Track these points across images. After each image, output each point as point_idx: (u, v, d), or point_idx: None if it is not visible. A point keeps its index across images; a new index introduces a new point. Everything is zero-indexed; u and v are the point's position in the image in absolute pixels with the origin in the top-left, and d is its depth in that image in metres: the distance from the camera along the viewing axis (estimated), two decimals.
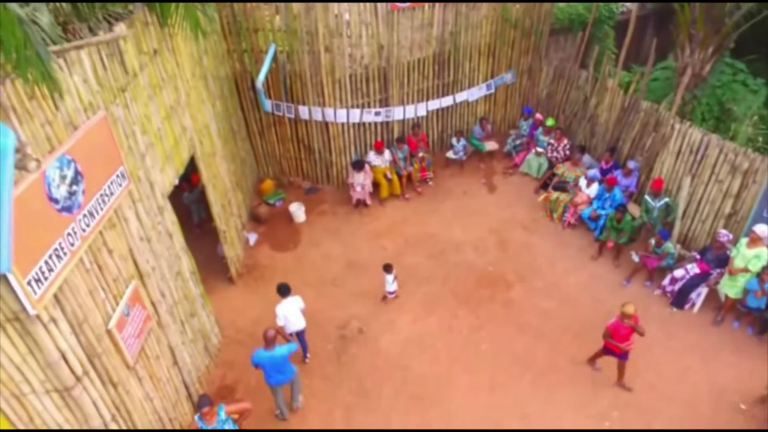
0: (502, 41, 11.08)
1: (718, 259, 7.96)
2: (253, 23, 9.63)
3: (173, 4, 6.18)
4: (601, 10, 11.34)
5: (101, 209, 5.08)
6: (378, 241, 10.08)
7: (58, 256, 4.38)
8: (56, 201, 4.41)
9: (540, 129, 11.23)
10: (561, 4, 11.51)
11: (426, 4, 10.01)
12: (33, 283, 4.05)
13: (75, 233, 4.64)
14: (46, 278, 4.22)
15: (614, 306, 8.30)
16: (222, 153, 9.24)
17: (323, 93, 10.15)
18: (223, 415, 5.72)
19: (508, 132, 12.05)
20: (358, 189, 10.56)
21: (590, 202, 9.68)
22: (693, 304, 8.19)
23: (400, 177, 10.90)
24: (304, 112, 10.44)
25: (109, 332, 5.20)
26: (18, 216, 3.65)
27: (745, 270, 7.43)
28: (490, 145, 11.57)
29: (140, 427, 5.70)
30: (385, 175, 10.72)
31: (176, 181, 7.15)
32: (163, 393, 6.38)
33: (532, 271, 9.15)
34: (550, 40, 11.65)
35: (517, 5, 10.77)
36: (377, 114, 10.70)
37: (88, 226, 4.85)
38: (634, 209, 9.44)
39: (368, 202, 10.78)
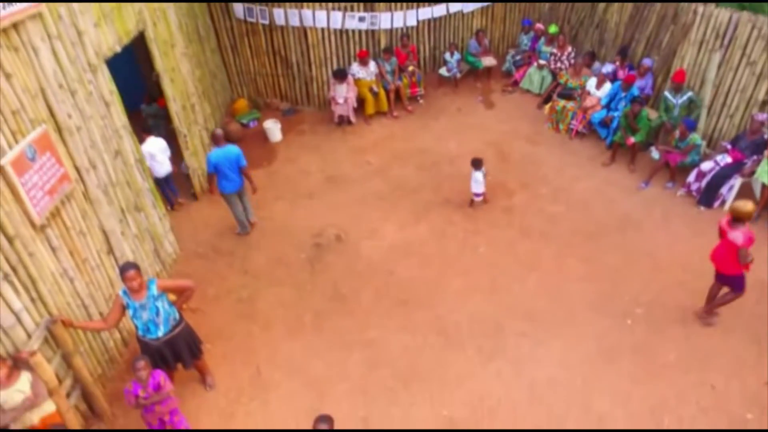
0: None
1: (754, 145, 6.82)
2: None
3: None
4: None
5: None
6: (362, 156, 8.96)
7: None
8: None
9: (542, 40, 10.10)
10: None
11: None
12: None
13: None
14: None
15: (631, 208, 7.29)
16: (183, 50, 8.15)
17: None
18: (155, 290, 4.56)
19: (507, 50, 10.93)
20: (341, 102, 9.43)
21: (601, 106, 8.55)
22: (723, 201, 7.04)
23: (387, 92, 9.78)
24: (279, 15, 9.32)
25: (1, 170, 4.08)
26: None
27: None
28: (487, 61, 10.44)
29: (50, 303, 4.56)
30: (370, 89, 9.59)
31: (117, 48, 6.09)
32: (91, 279, 5.24)
33: (537, 179, 8.04)
34: None
35: None
36: (361, 20, 9.56)
37: None
38: (651, 114, 8.31)
39: (352, 119, 9.65)
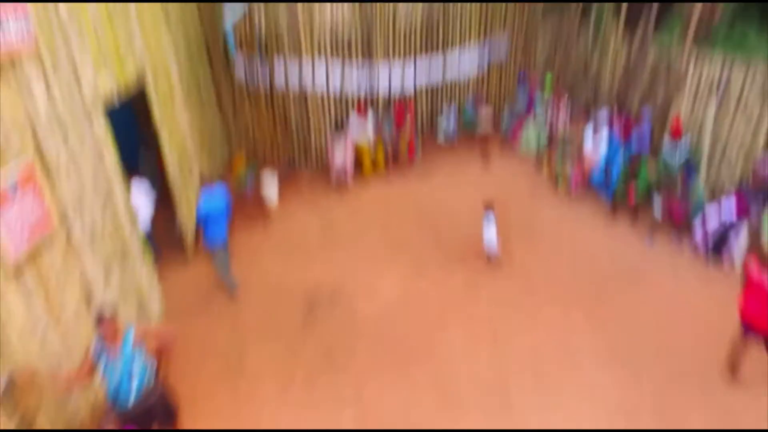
0: (494, 5, 10.32)
1: (761, 192, 6.64)
2: None
3: None
4: None
5: None
6: (359, 212, 8.82)
7: None
8: None
9: (537, 93, 10.22)
10: None
11: None
12: None
13: None
14: None
15: (637, 262, 7.02)
16: (184, 104, 8.25)
17: (300, 47, 9.26)
18: (132, 342, 4.23)
19: (503, 107, 11.03)
20: (339, 160, 9.41)
21: (598, 159, 8.49)
22: (732, 258, 6.77)
23: (385, 151, 9.79)
24: (280, 72, 9.48)
25: None
26: None
27: None
28: (484, 121, 10.47)
29: (17, 353, 4.22)
30: (368, 150, 9.61)
31: (116, 97, 6.12)
32: (67, 331, 4.91)
33: (538, 233, 7.83)
34: (547, 7, 10.89)
35: None
36: (360, 74, 9.70)
37: None
38: (650, 171, 8.20)
39: (350, 178, 9.58)
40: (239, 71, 9.62)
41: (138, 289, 6.33)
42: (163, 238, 7.85)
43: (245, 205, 9.15)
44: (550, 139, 9.67)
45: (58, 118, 4.97)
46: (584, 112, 9.43)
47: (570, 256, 7.25)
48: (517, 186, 9.06)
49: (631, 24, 9.34)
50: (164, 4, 7.65)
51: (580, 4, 10.31)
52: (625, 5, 9.55)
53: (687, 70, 8.04)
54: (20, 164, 4.35)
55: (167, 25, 7.79)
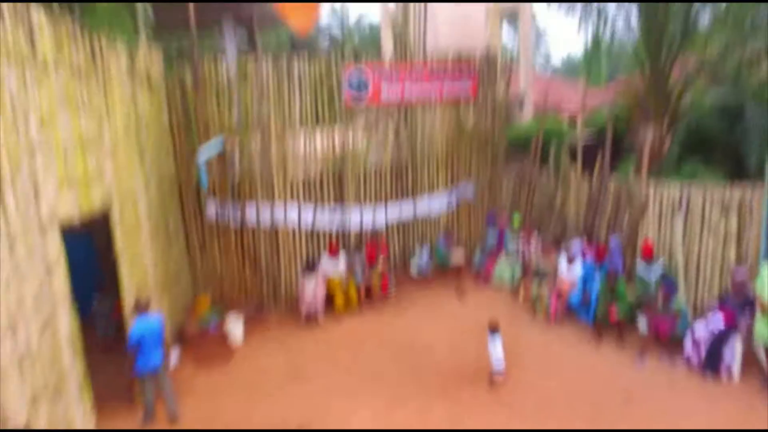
0: (458, 150, 10.98)
1: (743, 303, 6.48)
2: (203, 119, 9.34)
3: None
4: (552, 131, 11.74)
5: None
6: (330, 349, 8.17)
7: None
8: None
9: (507, 232, 10.41)
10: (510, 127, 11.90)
11: (380, 102, 10.10)
12: None
13: None
14: None
15: (630, 382, 6.54)
16: (150, 240, 8.00)
17: (273, 190, 9.46)
18: None
19: (475, 248, 11.11)
20: (309, 296, 9.00)
21: (575, 285, 8.34)
22: (730, 369, 6.35)
23: (357, 288, 9.49)
24: (251, 213, 9.50)
25: None
26: None
27: None
28: (456, 258, 10.45)
29: None
30: (340, 286, 9.31)
31: (77, 217, 5.88)
32: None
33: (523, 359, 7.28)
34: (510, 159, 11.65)
35: (470, 115, 10.97)
36: (332, 213, 9.81)
37: None
38: (629, 292, 8.09)
39: (320, 316, 9.09)
40: (210, 210, 9.59)
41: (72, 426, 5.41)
42: (112, 382, 6.94)
43: (206, 343, 8.43)
44: (524, 271, 9.61)
45: (8, 228, 4.66)
46: (555, 245, 9.55)
47: (559, 381, 6.68)
48: (491, 311, 8.67)
49: (587, 162, 10.00)
50: (139, 137, 7.83)
51: (539, 148, 11.10)
52: (580, 147, 10.34)
53: (648, 195, 8.36)
54: None
55: (140, 158, 7.88)
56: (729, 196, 7.43)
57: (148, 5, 7.28)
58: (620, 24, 10.13)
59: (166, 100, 9.09)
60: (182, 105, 9.21)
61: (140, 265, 7.54)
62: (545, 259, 9.17)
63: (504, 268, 9.97)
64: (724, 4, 9.50)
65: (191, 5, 8.96)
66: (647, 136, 9.53)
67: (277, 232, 9.65)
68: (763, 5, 8.77)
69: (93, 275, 8.90)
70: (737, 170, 9.78)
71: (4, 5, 4.72)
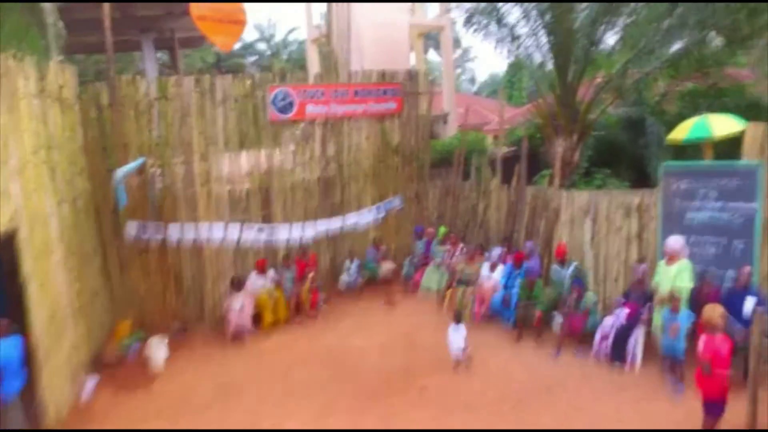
0: (385, 165, 11.25)
1: (644, 295, 7.04)
2: (121, 138, 9.07)
3: None
4: (473, 145, 12.30)
5: None
6: (258, 363, 8.07)
7: None
8: None
9: (434, 242, 10.72)
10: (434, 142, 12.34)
11: (305, 119, 10.22)
12: None
13: None
14: None
15: (549, 373, 6.96)
16: (63, 262, 7.61)
17: (197, 208, 9.30)
18: None
19: (404, 258, 11.35)
20: (237, 312, 8.84)
21: (498, 287, 8.73)
22: (634, 355, 6.86)
23: (287, 301, 9.42)
24: (175, 231, 9.26)
25: None
26: None
27: (674, 294, 6.48)
28: (387, 267, 10.66)
29: None
30: (269, 298, 9.21)
31: None
32: None
33: (449, 361, 7.49)
34: (433, 172, 12.05)
35: (395, 131, 11.29)
36: (259, 231, 9.75)
37: None
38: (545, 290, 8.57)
39: (249, 330, 8.94)
40: (130, 231, 9.25)
41: None
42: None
43: (126, 370, 8.08)
44: (450, 278, 9.92)
45: None
46: (479, 252, 9.94)
47: (484, 378, 6.96)
48: (423, 322, 8.92)
49: (507, 175, 10.55)
50: (50, 156, 7.49)
51: (461, 162, 11.57)
52: (499, 161, 10.88)
53: (560, 203, 8.93)
54: None
55: (51, 178, 7.52)
56: (630, 200, 8.06)
57: (59, 25, 7.07)
58: (531, 46, 10.79)
59: (81, 120, 8.78)
60: (99, 125, 8.91)
61: (51, 288, 7.15)
62: (470, 267, 9.51)
63: (431, 277, 10.24)
64: (623, 27, 10.39)
65: (107, 25, 8.77)
66: (559, 150, 10.17)
67: (201, 251, 9.45)
68: (657, 29, 9.68)
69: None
70: (641, 177, 10.64)
71: None
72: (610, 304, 7.93)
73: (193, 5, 9.45)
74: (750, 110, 9.91)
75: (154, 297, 9.55)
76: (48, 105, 7.53)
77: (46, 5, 5.80)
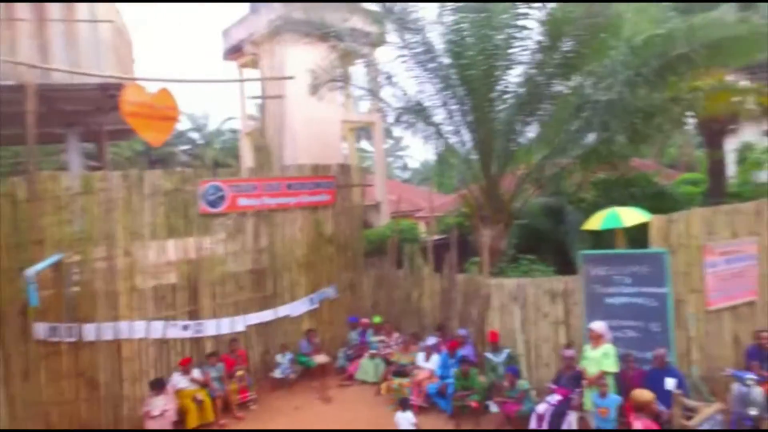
0: (319, 255, 11.21)
1: (573, 379, 7.16)
2: (37, 234, 8.58)
3: None
4: (406, 233, 12.56)
5: None
6: None
7: None
8: None
9: (369, 331, 10.58)
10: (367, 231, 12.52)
11: (237, 211, 10.15)
12: None
13: None
14: None
15: None
16: None
17: (117, 305, 8.79)
18: None
19: (339, 349, 11.06)
20: (157, 417, 8.16)
21: (433, 377, 8.61)
22: None
23: (213, 401, 8.81)
24: (90, 331, 8.64)
25: None
26: None
27: (601, 377, 6.66)
28: (320, 359, 10.33)
29: None
30: (194, 399, 8.60)
31: None
32: None
33: None
34: (367, 261, 12.12)
35: (329, 221, 11.39)
36: (185, 328, 9.29)
37: None
38: (480, 377, 8.53)
39: None
40: (39, 331, 8.52)
41: None
42: None
43: None
44: (386, 369, 9.73)
45: None
46: (414, 339, 9.90)
47: None
48: (359, 417, 8.56)
49: (439, 261, 10.77)
50: None
51: (394, 250, 11.74)
52: (431, 248, 11.14)
53: (490, 289, 9.16)
54: None
55: None
56: (555, 286, 8.41)
57: None
58: (457, 142, 11.46)
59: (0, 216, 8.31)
60: (12, 220, 8.44)
61: None
62: (405, 356, 9.41)
63: (367, 369, 10.00)
64: (539, 125, 11.29)
65: (31, 120, 8.60)
66: (486, 238, 10.59)
67: (120, 350, 8.81)
68: (567, 129, 10.59)
69: None
70: (564, 262, 11.15)
71: None
72: (543, 389, 8.02)
73: (125, 102, 9.45)
74: (656, 198, 10.83)
75: (60, 405, 8.66)
76: None
77: None
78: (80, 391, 8.72)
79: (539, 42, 9.83)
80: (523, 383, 7.62)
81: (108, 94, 10.84)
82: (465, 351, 8.85)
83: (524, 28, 9.82)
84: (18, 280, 8.28)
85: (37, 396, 8.61)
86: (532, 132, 11.34)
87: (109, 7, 11.49)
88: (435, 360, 8.89)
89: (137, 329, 8.91)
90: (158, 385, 8.40)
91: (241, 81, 16.56)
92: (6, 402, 8.42)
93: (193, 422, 8.51)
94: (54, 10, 10.55)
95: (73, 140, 12.18)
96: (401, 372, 9.18)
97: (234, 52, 16.74)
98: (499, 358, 8.31)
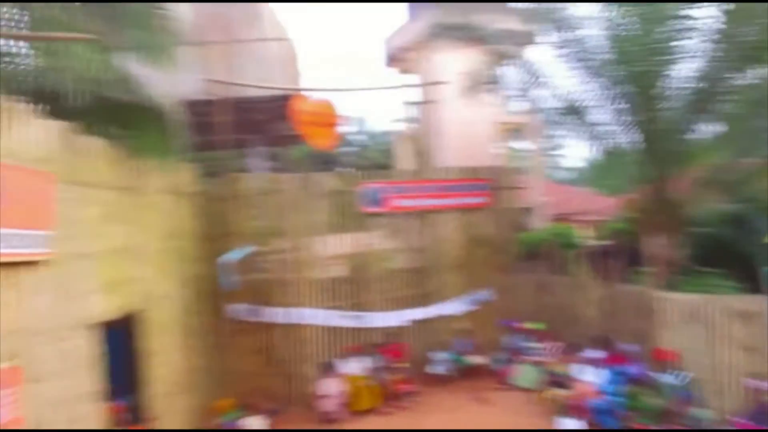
0: (473, 257, 11.36)
1: (761, 414, 6.37)
2: (233, 227, 10.00)
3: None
4: (564, 238, 12.14)
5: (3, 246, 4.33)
6: None
7: None
8: None
9: (524, 337, 10.44)
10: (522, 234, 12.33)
11: (395, 211, 10.72)
12: None
13: None
14: None
15: None
16: (180, 339, 8.43)
17: (296, 293, 9.89)
18: None
19: (494, 352, 11.08)
20: (328, 397, 9.03)
21: (596, 392, 8.26)
22: None
23: (377, 388, 9.48)
24: (271, 314, 9.84)
25: None
26: None
27: None
28: (476, 360, 10.49)
29: None
30: (360, 384, 9.34)
31: (114, 317, 6.35)
32: None
33: None
34: (522, 265, 11.97)
35: (483, 224, 11.47)
36: (352, 318, 10.10)
37: None
38: (650, 399, 7.96)
39: (340, 416, 9.05)
40: (234, 312, 9.93)
41: None
42: None
43: None
44: (544, 375, 9.55)
45: (52, 328, 5.07)
46: (571, 351, 9.58)
47: None
48: (518, 417, 8.63)
49: (601, 269, 10.24)
50: (174, 244, 8.41)
51: (552, 255, 11.42)
52: (593, 255, 10.61)
53: (661, 304, 8.50)
54: (8, 367, 4.29)
55: (174, 263, 8.43)
56: (740, 305, 7.56)
57: (186, 131, 8.29)
58: (618, 140, 10.77)
59: (201, 212, 9.84)
60: (215, 216, 9.94)
61: (168, 363, 7.81)
62: (562, 367, 9.14)
63: (524, 372, 9.92)
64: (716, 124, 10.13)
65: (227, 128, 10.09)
66: (657, 246, 9.81)
67: (297, 333, 9.89)
68: (752, 124, 9.36)
69: (124, 371, 9.12)
70: (747, 278, 9.89)
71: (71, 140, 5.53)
72: (721, 421, 7.26)
73: (294, 111, 10.62)
74: None
75: (249, 377, 10.01)
76: (175, 200, 8.61)
77: (178, 118, 6.93)
78: (263, 366, 10.00)
79: (717, 32, 8.85)
80: (703, 412, 6.95)
81: (283, 104, 12.21)
82: (635, 369, 8.35)
83: (695, 18, 8.92)
84: (218, 267, 9.76)
85: (228, 367, 10.07)
86: (707, 130, 10.23)
87: (276, 25, 12.93)
88: (595, 374, 8.49)
89: (310, 316, 9.91)
90: (328, 368, 9.27)
91: (399, 87, 17.32)
92: (206, 370, 9.98)
93: (358, 405, 9.26)
94: (237, 32, 12.18)
95: (259, 145, 13.88)
96: (559, 382, 8.94)
97: (395, 58, 17.58)
98: (671, 380, 7.70)
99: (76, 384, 5.44)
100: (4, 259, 4.35)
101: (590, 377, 8.54)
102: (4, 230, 4.30)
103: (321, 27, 60.31)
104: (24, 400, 4.50)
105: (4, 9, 5.13)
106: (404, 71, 17.59)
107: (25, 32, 5.91)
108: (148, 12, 6.29)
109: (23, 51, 6.41)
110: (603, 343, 9.23)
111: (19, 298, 4.63)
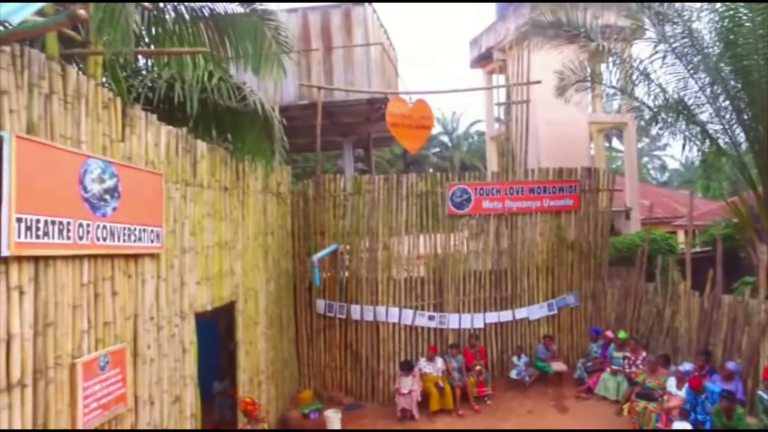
0: (559, 261, 11.09)
1: None
2: (320, 226, 10.55)
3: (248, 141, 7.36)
4: (659, 243, 11.49)
5: (122, 239, 4.97)
6: None
7: (60, 231, 4.18)
8: (84, 189, 4.48)
9: (612, 346, 10.02)
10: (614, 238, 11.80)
11: (481, 213, 10.73)
12: (22, 224, 3.79)
13: (87, 231, 4.50)
14: (38, 235, 3.96)
15: None
16: (265, 330, 8.97)
17: (377, 291, 10.22)
18: None
19: (577, 359, 10.76)
20: (405, 395, 9.26)
21: (684, 406, 7.76)
22: None
23: (453, 390, 9.57)
24: (356, 311, 10.25)
25: (72, 366, 4.36)
26: (40, 161, 3.92)
27: None
28: (558, 366, 10.25)
29: None
30: (436, 385, 9.46)
31: (209, 307, 6.94)
32: None
33: None
34: (612, 271, 11.49)
35: (571, 227, 11.15)
36: (431, 318, 10.29)
37: (103, 239, 4.71)
38: (749, 420, 7.39)
39: (415, 413, 9.26)
40: (319, 307, 10.47)
41: None
42: None
43: None
44: (630, 386, 9.13)
45: (158, 315, 5.70)
46: (663, 363, 9.05)
47: None
48: (597, 428, 8.29)
49: (698, 278, 9.59)
50: (265, 241, 9.05)
51: (645, 261, 10.84)
52: (689, 262, 9.99)
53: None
54: (116, 348, 4.90)
55: (264, 258, 9.05)
56: None
57: (283, 134, 8.85)
58: (725, 141, 10.02)
59: (291, 210, 10.46)
60: (303, 214, 10.53)
61: (255, 353, 8.41)
62: (652, 377, 8.69)
63: (608, 382, 9.52)
64: None
65: (318, 132, 10.63)
66: (764, 255, 9.04)
67: (378, 331, 10.21)
68: None
69: (215, 359, 9.96)
70: None
71: (180, 143, 6.18)
72: None
73: (388, 113, 10.89)
74: None
75: (332, 370, 10.51)
76: (268, 199, 9.25)
77: (276, 123, 7.41)
78: (347, 360, 10.44)
79: None
80: None
81: (374, 108, 12.61)
82: (732, 387, 7.77)
83: None
84: (306, 263, 10.34)
85: (316, 359, 10.63)
86: None
87: (378, 29, 13.31)
88: (687, 389, 7.97)
89: (392, 314, 10.18)
90: (407, 367, 9.49)
91: (489, 89, 17.18)
92: (290, 361, 10.60)
93: (434, 406, 9.39)
94: (337, 38, 12.74)
95: (347, 147, 14.46)
96: (647, 395, 8.51)
97: (482, 59, 17.46)
98: None
99: (177, 367, 6.05)
100: (124, 251, 5.00)
101: (680, 392, 8.05)
102: (125, 225, 4.95)
103: (407, 29, 60.74)
104: (130, 380, 5.11)
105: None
106: (492, 72, 17.42)
107: (152, 48, 6.69)
108: (257, 24, 6.82)
109: (148, 64, 7.24)
110: (704, 356, 8.63)
111: (133, 288, 5.27)
